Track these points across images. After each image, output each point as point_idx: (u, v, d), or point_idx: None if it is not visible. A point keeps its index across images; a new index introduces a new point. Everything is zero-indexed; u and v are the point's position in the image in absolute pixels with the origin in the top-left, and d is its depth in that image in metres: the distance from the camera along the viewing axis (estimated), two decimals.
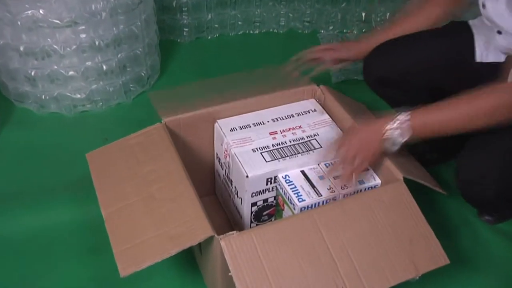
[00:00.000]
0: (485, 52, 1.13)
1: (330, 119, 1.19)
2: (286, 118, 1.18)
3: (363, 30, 2.21)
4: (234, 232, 0.86)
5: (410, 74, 1.18)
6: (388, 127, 0.97)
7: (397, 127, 0.96)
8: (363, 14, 2.19)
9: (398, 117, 0.97)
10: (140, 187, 0.98)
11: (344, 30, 2.22)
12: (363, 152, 1.00)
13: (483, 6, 1.03)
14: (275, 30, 2.23)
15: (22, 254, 1.21)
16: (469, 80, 1.00)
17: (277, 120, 1.18)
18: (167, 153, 1.04)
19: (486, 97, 0.93)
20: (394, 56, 1.20)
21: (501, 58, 1.10)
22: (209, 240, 0.87)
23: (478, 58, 1.14)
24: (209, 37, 2.16)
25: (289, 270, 0.85)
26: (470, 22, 1.18)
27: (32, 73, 1.58)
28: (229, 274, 0.82)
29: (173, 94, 1.23)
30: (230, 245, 0.84)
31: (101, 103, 1.69)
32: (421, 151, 1.49)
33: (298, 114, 1.20)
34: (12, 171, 1.45)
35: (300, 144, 1.11)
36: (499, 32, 1.05)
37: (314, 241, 0.88)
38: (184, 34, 2.11)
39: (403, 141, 0.98)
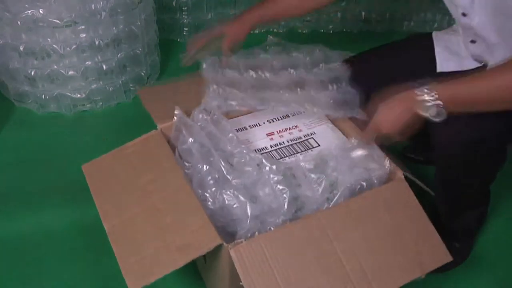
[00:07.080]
0: (445, 62, 1.15)
1: (326, 117, 1.19)
2: (282, 119, 1.18)
3: (363, 30, 2.22)
4: (242, 240, 0.84)
5: (376, 91, 1.18)
6: (420, 98, 0.91)
7: (429, 100, 0.90)
8: (363, 14, 2.19)
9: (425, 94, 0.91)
10: (141, 198, 0.95)
11: (344, 30, 2.22)
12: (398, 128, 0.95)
13: (464, 15, 1.03)
14: (275, 30, 2.23)
15: (21, 254, 1.21)
16: None
17: (273, 121, 1.18)
18: (165, 160, 1.01)
19: None
20: (357, 75, 1.18)
21: (463, 67, 1.12)
22: (216, 248, 0.85)
23: (439, 68, 1.15)
24: None
25: (300, 277, 0.83)
26: (434, 33, 1.20)
27: (32, 73, 1.58)
28: (240, 284, 0.81)
29: (165, 92, 1.18)
30: (239, 253, 0.82)
31: (101, 103, 1.70)
32: (410, 152, 1.50)
33: (294, 114, 1.20)
34: (12, 171, 1.45)
35: (298, 144, 1.11)
36: (473, 41, 1.07)
37: (322, 245, 0.87)
38: (184, 33, 2.11)
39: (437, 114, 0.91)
